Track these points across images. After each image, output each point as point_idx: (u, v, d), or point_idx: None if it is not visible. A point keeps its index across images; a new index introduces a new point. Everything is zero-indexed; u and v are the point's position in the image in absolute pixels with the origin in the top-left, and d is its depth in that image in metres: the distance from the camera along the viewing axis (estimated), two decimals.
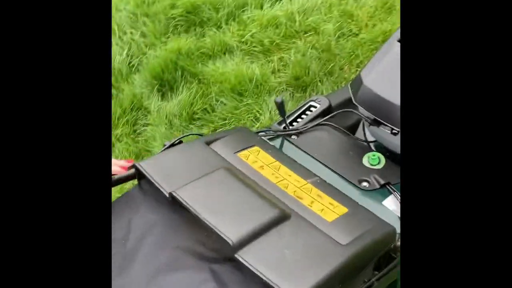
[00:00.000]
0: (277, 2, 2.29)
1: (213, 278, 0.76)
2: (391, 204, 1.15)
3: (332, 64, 2.04)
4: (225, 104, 1.98)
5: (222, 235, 0.76)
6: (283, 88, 2.00)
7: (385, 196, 1.17)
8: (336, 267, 0.78)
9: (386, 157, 1.26)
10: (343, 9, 2.20)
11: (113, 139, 2.02)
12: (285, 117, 1.34)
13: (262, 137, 1.21)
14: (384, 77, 1.23)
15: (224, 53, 2.17)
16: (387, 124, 1.20)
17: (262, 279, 0.72)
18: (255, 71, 2.03)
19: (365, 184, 1.18)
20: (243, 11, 2.29)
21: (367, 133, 1.35)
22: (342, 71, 2.03)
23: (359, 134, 1.45)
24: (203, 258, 0.80)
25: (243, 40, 2.18)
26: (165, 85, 2.07)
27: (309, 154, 1.25)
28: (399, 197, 1.12)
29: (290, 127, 1.35)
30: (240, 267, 0.76)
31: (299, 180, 1.03)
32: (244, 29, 2.21)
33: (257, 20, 2.21)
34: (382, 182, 1.17)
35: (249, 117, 1.93)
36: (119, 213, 0.89)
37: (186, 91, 2.02)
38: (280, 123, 1.38)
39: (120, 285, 0.76)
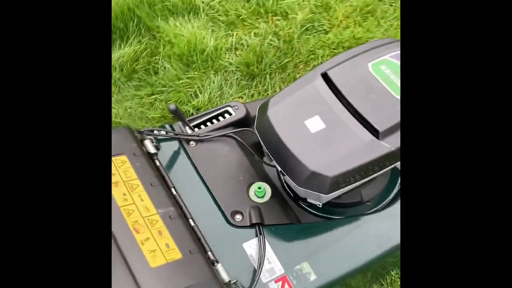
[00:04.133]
0: None
1: None
2: (250, 248, 1.03)
3: (287, 60, 1.78)
4: (169, 71, 1.79)
5: None
6: (232, 69, 1.78)
7: (250, 238, 1.05)
8: None
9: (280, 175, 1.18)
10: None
11: None
12: (186, 120, 1.21)
13: (155, 134, 1.13)
14: (288, 114, 1.07)
15: (189, 12, 1.94)
16: (277, 162, 1.05)
17: None
18: (210, 43, 1.81)
19: (238, 217, 1.07)
20: None
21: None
22: (296, 69, 1.77)
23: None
24: None
25: (211, 4, 1.94)
26: (115, 32, 1.87)
27: (197, 169, 1.12)
28: (263, 242, 1.02)
29: (194, 130, 1.21)
30: None
31: (149, 209, 0.93)
32: None
33: None
34: (254, 221, 1.04)
35: (188, 91, 1.74)
36: None
37: (134, 45, 1.84)
38: (184, 125, 1.23)
39: None
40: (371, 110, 1.04)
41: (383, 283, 1.40)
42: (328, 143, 1.03)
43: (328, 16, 1.87)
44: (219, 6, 1.92)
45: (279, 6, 1.88)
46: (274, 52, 1.79)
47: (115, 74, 1.80)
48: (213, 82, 1.75)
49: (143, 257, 0.84)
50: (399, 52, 1.12)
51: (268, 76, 1.74)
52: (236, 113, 1.29)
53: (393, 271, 1.40)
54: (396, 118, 1.03)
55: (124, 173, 0.96)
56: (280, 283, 1.02)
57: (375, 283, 1.38)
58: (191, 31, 1.85)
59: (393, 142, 1.02)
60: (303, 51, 1.79)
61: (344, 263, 1.10)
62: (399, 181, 1.29)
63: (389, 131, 1.03)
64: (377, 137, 1.03)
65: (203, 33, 1.85)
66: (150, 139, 1.13)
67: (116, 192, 0.92)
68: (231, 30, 1.89)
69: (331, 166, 1.01)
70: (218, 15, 1.91)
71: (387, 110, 1.04)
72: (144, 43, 1.86)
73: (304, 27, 1.84)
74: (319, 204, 1.17)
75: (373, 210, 1.24)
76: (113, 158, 0.98)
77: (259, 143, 1.24)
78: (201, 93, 1.73)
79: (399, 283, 1.39)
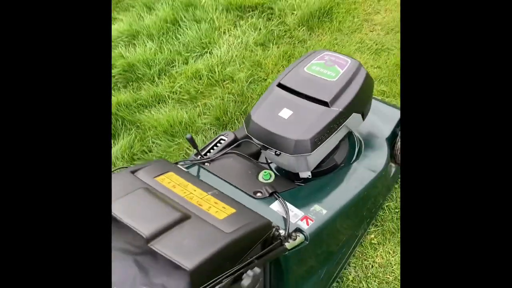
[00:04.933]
0: (200, 57, 2.59)
1: (136, 265, 0.99)
2: (276, 207, 1.42)
3: (245, 106, 2.32)
4: (160, 145, 2.24)
5: (139, 232, 1.00)
6: (207, 127, 2.27)
7: (272, 202, 1.44)
8: (220, 247, 1.04)
9: (276, 172, 1.60)
10: (253, 59, 2.49)
11: None
12: (198, 149, 1.63)
13: (181, 165, 1.51)
14: (266, 114, 1.53)
15: (158, 102, 2.44)
16: (271, 148, 1.47)
17: (167, 259, 0.95)
18: (184, 115, 2.31)
19: (258, 194, 1.47)
20: (172, 66, 2.59)
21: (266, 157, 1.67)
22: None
23: (262, 157, 1.74)
24: (130, 252, 1.01)
25: (173, 90, 2.46)
26: None
27: (218, 176, 1.53)
28: (283, 200, 1.40)
29: (205, 156, 1.65)
30: (156, 256, 0.98)
31: (201, 193, 1.30)
32: (173, 82, 2.50)
33: (184, 74, 2.51)
34: (270, 191, 1.45)
35: (180, 153, 2.18)
36: None
37: (126, 137, 2.27)
38: (196, 154, 1.66)
39: None
40: (318, 92, 1.55)
41: (377, 223, 1.82)
42: (299, 121, 1.50)
43: (262, 69, 2.46)
44: (180, 89, 2.45)
45: (224, 74, 2.45)
46: (234, 104, 2.31)
47: (118, 163, 2.21)
48: (197, 141, 2.21)
49: (213, 216, 1.20)
50: (322, 55, 1.67)
51: (236, 121, 2.24)
52: (228, 138, 1.76)
53: (379, 212, 1.83)
54: (335, 91, 1.54)
55: (176, 180, 1.36)
56: (304, 220, 1.43)
57: (370, 224, 1.80)
58: (166, 114, 2.35)
59: (339, 106, 1.52)
60: (254, 96, 2.34)
61: (342, 198, 1.53)
62: (356, 144, 1.78)
63: (334, 100, 1.53)
64: (328, 106, 1.52)
65: (176, 112, 2.35)
66: (180, 165, 1.56)
67: (177, 190, 1.30)
68: (195, 103, 2.41)
69: (306, 132, 1.47)
70: (182, 96, 2.44)
71: (328, 89, 1.55)
72: (133, 133, 2.32)
73: (248, 81, 2.40)
74: (309, 175, 1.62)
75: (347, 166, 1.70)
76: (164, 175, 1.38)
77: (251, 154, 1.71)
78: (190, 151, 2.18)
79: (389, 217, 1.82)
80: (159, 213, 1.14)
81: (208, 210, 1.22)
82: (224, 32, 2.64)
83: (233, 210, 1.24)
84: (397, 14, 2.55)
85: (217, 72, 2.43)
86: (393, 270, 1.67)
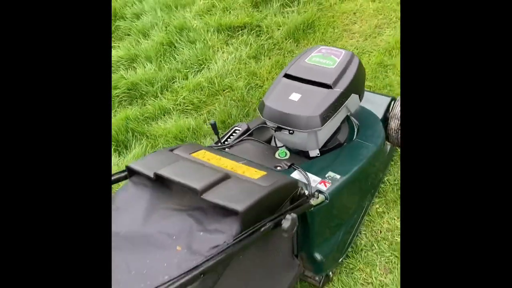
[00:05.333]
0: (199, 72, 2.82)
1: (190, 218, 1.13)
2: (296, 176, 1.62)
3: (247, 109, 2.54)
4: None
5: (192, 187, 1.14)
6: None
7: (291, 172, 1.63)
8: (261, 196, 1.22)
9: (289, 151, 1.80)
10: (248, 70, 2.73)
11: None
12: (219, 135, 1.82)
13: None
14: (278, 99, 1.74)
15: (164, 115, 2.63)
16: (285, 127, 1.69)
17: (219, 206, 1.10)
18: (191, 122, 2.50)
19: (278, 168, 1.66)
20: (173, 82, 2.80)
21: (277, 141, 1.87)
22: (255, 112, 2.52)
23: (273, 143, 1.96)
24: (182, 210, 1.15)
25: (177, 103, 2.66)
26: (120, 145, 2.47)
27: (239, 157, 1.72)
28: (302, 171, 1.60)
29: (224, 144, 1.84)
30: (204, 210, 1.13)
31: (233, 163, 1.49)
32: (176, 95, 2.70)
33: (186, 87, 2.72)
34: (289, 164, 1.65)
35: None
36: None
37: (138, 147, 2.43)
38: (216, 143, 1.84)
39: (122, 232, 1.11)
40: (321, 77, 1.79)
41: (380, 195, 2.03)
42: (308, 102, 1.73)
43: (258, 77, 2.70)
44: (183, 101, 2.65)
45: (224, 84, 2.68)
46: (236, 109, 2.53)
47: None
48: (206, 143, 2.40)
49: (248, 177, 1.38)
50: (319, 49, 1.93)
51: (239, 123, 2.45)
52: (241, 128, 1.97)
53: (380, 186, 2.05)
54: (335, 75, 1.79)
55: (209, 155, 1.55)
56: (322, 184, 1.63)
57: (374, 196, 2.01)
58: (173, 123, 2.54)
59: (340, 87, 1.77)
60: (254, 101, 2.56)
61: (351, 165, 1.74)
62: (355, 126, 2.02)
63: (335, 82, 1.77)
64: (331, 88, 1.76)
65: (182, 121, 2.55)
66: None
67: (213, 162, 1.49)
68: (200, 111, 2.61)
69: (316, 109, 1.70)
70: (186, 106, 2.64)
71: (329, 74, 1.80)
72: (144, 143, 2.49)
73: (247, 88, 2.63)
74: (318, 154, 1.84)
75: (350, 143, 1.93)
76: (198, 152, 1.56)
77: (264, 140, 1.91)
78: None
79: (389, 189, 2.04)
80: (204, 174, 1.32)
81: (243, 173, 1.41)
82: (218, 50, 2.89)
83: (264, 173, 1.43)
84: (372, 23, 2.87)
85: (216, 83, 2.66)
86: (399, 232, 1.87)
